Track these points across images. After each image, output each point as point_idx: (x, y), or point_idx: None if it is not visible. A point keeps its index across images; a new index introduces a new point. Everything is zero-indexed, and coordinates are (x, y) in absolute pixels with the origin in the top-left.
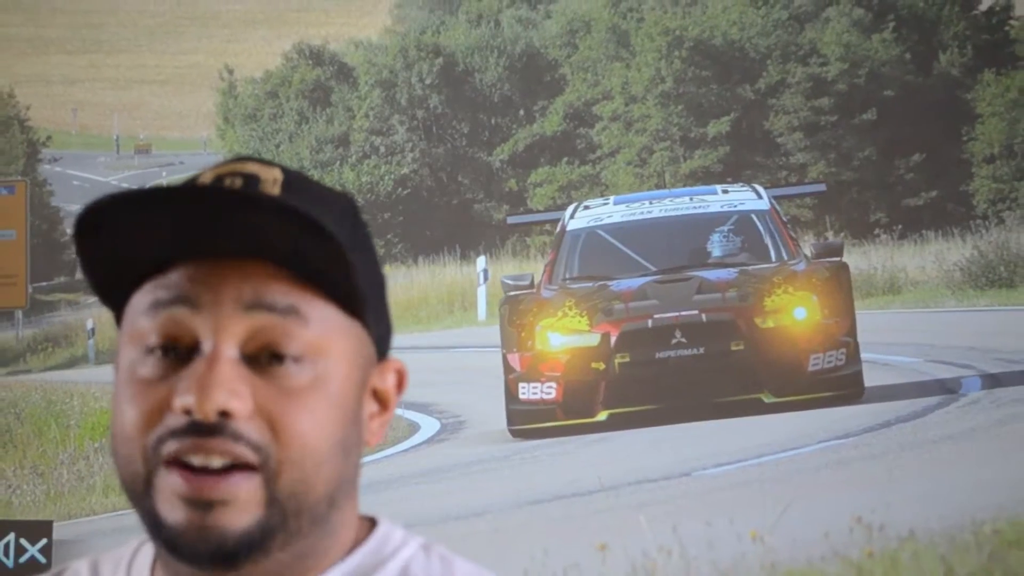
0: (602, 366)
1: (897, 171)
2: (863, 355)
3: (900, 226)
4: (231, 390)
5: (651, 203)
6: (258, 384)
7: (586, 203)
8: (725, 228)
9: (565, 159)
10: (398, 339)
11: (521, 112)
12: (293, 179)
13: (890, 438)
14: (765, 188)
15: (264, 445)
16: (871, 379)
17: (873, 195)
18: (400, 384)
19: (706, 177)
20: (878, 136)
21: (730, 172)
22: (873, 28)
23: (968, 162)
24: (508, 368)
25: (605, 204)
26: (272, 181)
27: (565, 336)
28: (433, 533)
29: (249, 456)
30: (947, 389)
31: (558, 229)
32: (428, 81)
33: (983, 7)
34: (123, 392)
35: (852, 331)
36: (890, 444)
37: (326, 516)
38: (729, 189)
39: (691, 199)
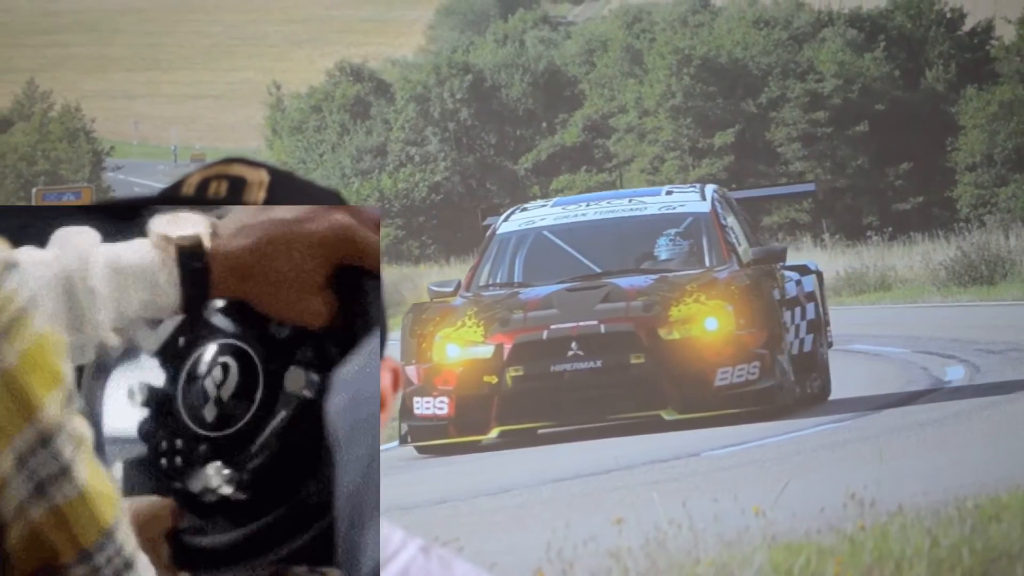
0: (495, 380)
1: (887, 178)
2: (855, 347)
3: (890, 228)
4: None
5: (588, 205)
6: None
7: (525, 205)
8: (673, 231)
9: (584, 167)
10: None
11: (544, 124)
12: (279, 180)
13: (881, 422)
14: (757, 188)
15: None
16: (864, 369)
17: (865, 200)
18: (396, 383)
19: (712, 183)
20: (870, 146)
21: (735, 179)
22: (865, 47)
23: (952, 170)
24: (407, 381)
25: (543, 207)
26: (258, 184)
27: (461, 347)
28: (464, 508)
29: None
30: (933, 377)
31: (488, 232)
32: (459, 96)
33: (966, 28)
34: None
35: (771, 343)
36: (881, 427)
37: None
38: (675, 190)
39: (630, 201)
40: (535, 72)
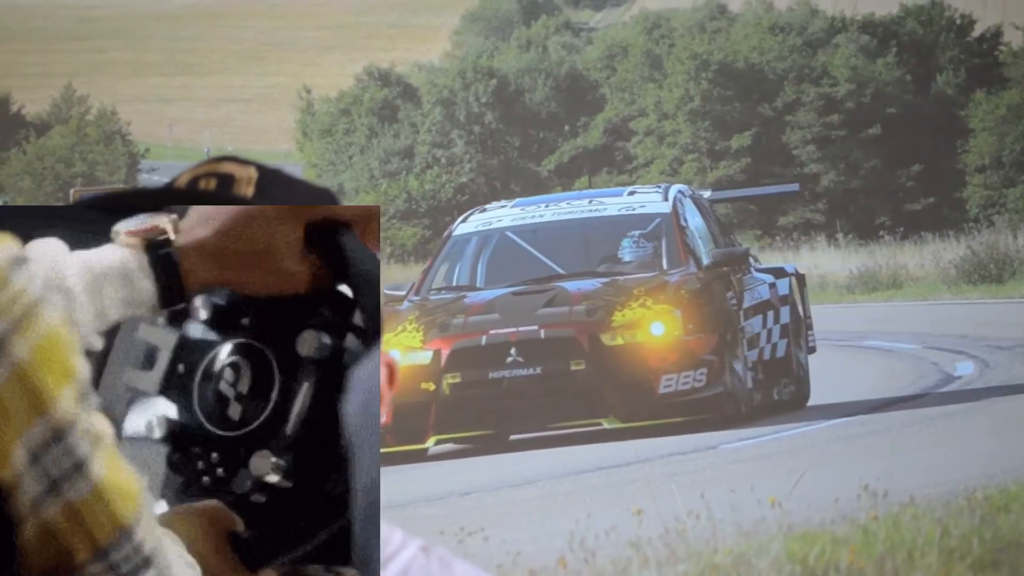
0: (432, 387)
1: (899, 179)
2: (868, 343)
3: (902, 228)
4: None
5: (547, 206)
6: None
7: (485, 207)
8: (637, 233)
9: (605, 169)
10: None
11: (566, 127)
12: (268, 177)
13: (893, 415)
14: (739, 188)
15: None
16: (876, 364)
17: (878, 201)
18: (392, 378)
19: (730, 185)
20: (882, 148)
21: (751, 180)
22: (878, 53)
23: (962, 172)
24: None
25: (502, 207)
26: (247, 180)
27: (401, 353)
28: (490, 499)
29: None
30: (943, 372)
31: (444, 234)
32: (484, 100)
33: (976, 34)
34: None
35: (720, 348)
36: (893, 421)
37: None
38: (638, 191)
39: (590, 202)
40: (558, 76)
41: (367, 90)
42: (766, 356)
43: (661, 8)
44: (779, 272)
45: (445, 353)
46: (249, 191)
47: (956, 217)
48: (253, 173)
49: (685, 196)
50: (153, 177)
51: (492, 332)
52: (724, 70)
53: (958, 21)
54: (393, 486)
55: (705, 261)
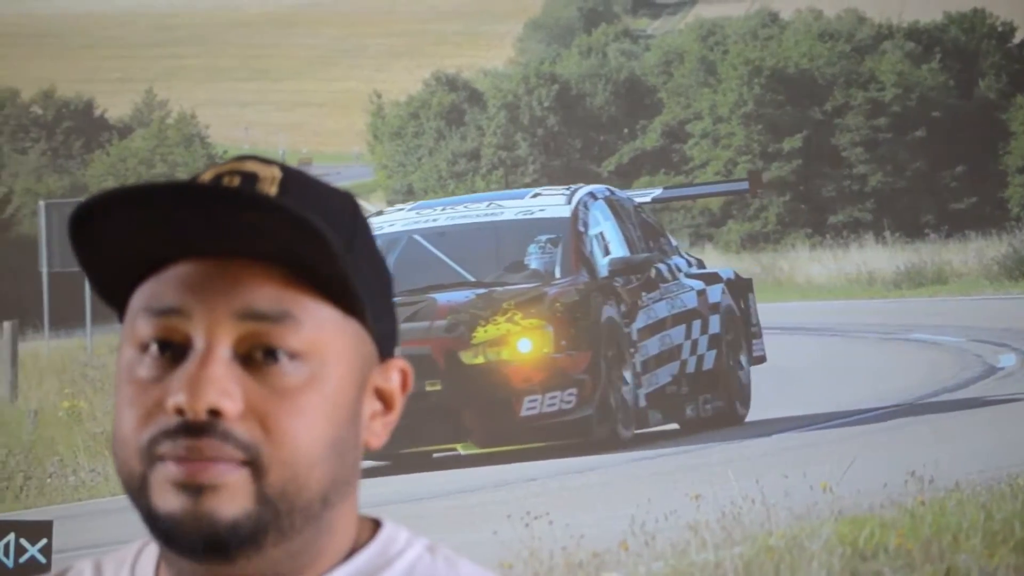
0: None
1: (943, 180)
2: (914, 336)
3: (946, 226)
4: (221, 389)
5: (443, 209)
6: (250, 384)
7: (383, 208)
8: (544, 238)
9: (663, 170)
10: None
11: (625, 130)
12: (292, 177)
13: (939, 405)
14: (691, 185)
15: (254, 444)
16: (922, 356)
17: (923, 200)
18: (405, 384)
19: (783, 185)
20: (927, 150)
21: (802, 181)
22: (923, 59)
23: (1004, 172)
24: None
25: (400, 210)
26: (271, 179)
27: None
28: (554, 484)
29: (237, 455)
30: (986, 364)
31: None
32: (546, 104)
33: (1016, 41)
34: (122, 393)
35: (595, 367)
36: (939, 410)
37: (320, 514)
38: (543, 193)
39: (488, 205)
40: (617, 82)
41: (435, 95)
42: (690, 368)
43: (715, 16)
44: (711, 278)
45: None
46: (272, 190)
47: (998, 216)
48: (277, 173)
49: (596, 199)
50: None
51: None
52: (776, 75)
53: (999, 28)
54: (462, 476)
55: (603, 270)
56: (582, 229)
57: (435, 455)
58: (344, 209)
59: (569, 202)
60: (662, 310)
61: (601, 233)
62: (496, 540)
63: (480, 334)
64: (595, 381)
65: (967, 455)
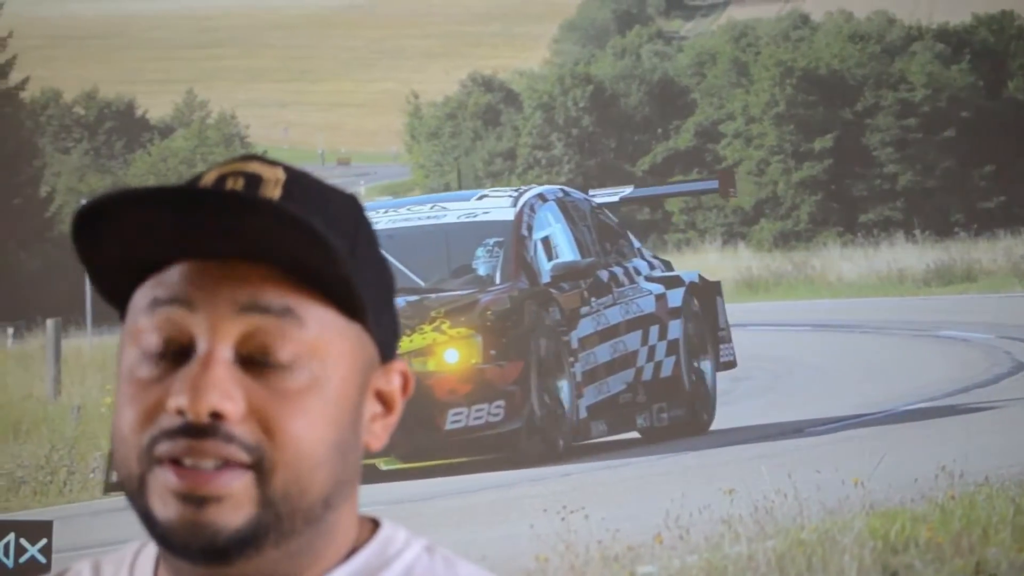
0: None
1: (973, 179)
2: (943, 333)
3: (975, 225)
4: (224, 392)
5: (385, 212)
6: (252, 386)
7: None
8: (492, 241)
9: (696, 169)
10: None
11: (659, 130)
12: (296, 179)
13: (968, 400)
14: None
15: (257, 446)
16: (952, 353)
17: (953, 199)
18: (406, 386)
19: (814, 184)
20: (957, 150)
21: (833, 181)
22: (952, 60)
23: None
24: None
25: None
26: (274, 182)
27: None
28: (588, 478)
29: (242, 457)
30: (1015, 360)
31: None
32: (581, 104)
33: None
34: (122, 392)
35: (526, 378)
36: (968, 405)
37: (321, 517)
38: (489, 195)
39: (431, 207)
40: (650, 82)
41: (471, 95)
42: (647, 376)
43: (747, 18)
44: (672, 281)
45: None
46: (276, 193)
47: None
48: (281, 175)
49: (546, 201)
50: None
51: None
52: (807, 76)
53: None
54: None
55: (544, 276)
56: (525, 233)
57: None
58: (347, 212)
59: (514, 204)
60: (615, 315)
61: (548, 237)
62: (533, 534)
63: (405, 344)
64: (526, 392)
65: (996, 450)
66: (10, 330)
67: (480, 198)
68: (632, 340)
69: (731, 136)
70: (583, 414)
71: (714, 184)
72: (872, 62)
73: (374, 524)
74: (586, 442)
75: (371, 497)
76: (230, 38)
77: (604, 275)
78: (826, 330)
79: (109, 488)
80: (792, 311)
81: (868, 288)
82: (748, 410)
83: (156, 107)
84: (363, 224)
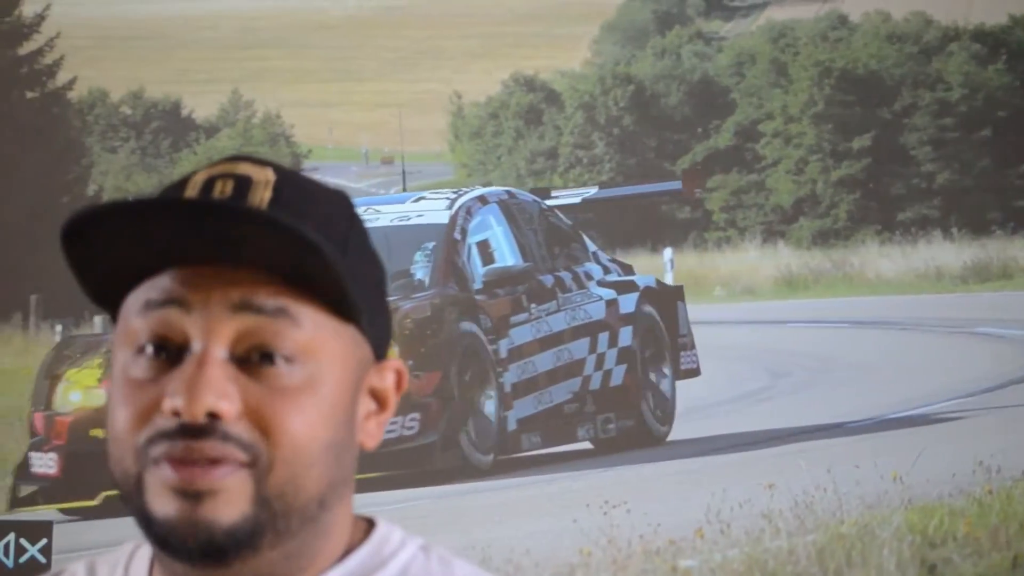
0: (102, 434)
1: (1009, 178)
2: (979, 330)
3: (1012, 223)
4: (219, 392)
5: None
6: (248, 385)
7: None
8: (431, 246)
9: (735, 168)
10: None
11: (699, 130)
12: (285, 180)
13: (1005, 396)
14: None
15: (253, 444)
16: (988, 349)
17: (989, 197)
18: (399, 384)
19: (852, 183)
20: (993, 149)
21: (871, 179)
22: (989, 60)
23: None
24: (32, 432)
25: None
26: (264, 183)
27: (81, 392)
28: (629, 473)
29: (239, 455)
30: None
31: None
32: (622, 104)
33: None
34: (116, 393)
35: (444, 389)
36: (1005, 401)
37: (316, 516)
38: (426, 196)
39: (365, 210)
40: (690, 82)
41: (513, 95)
42: (594, 385)
43: (786, 19)
44: (626, 286)
45: None
46: (266, 195)
47: None
48: (271, 176)
49: (487, 203)
50: (315, 176)
51: None
52: (845, 76)
53: None
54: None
55: (476, 282)
56: (458, 236)
57: None
58: (339, 211)
59: (450, 207)
60: (559, 322)
61: (486, 240)
62: (576, 528)
63: None
64: (443, 404)
65: None
66: (58, 327)
67: (416, 200)
68: (578, 348)
69: (770, 135)
70: (512, 426)
71: (677, 185)
72: (909, 62)
73: (369, 524)
74: (516, 455)
75: (416, 494)
76: (275, 39)
77: (548, 280)
78: (864, 327)
79: (15, 503)
80: (831, 308)
81: (906, 285)
82: (787, 406)
83: (202, 107)
84: (355, 222)
